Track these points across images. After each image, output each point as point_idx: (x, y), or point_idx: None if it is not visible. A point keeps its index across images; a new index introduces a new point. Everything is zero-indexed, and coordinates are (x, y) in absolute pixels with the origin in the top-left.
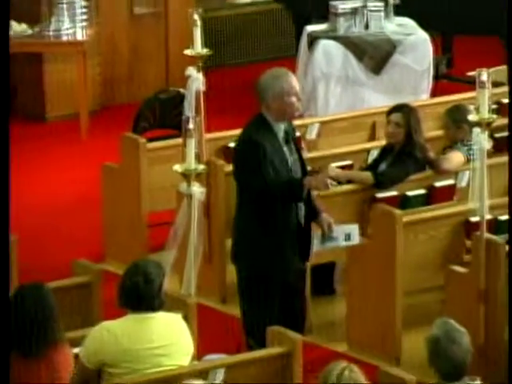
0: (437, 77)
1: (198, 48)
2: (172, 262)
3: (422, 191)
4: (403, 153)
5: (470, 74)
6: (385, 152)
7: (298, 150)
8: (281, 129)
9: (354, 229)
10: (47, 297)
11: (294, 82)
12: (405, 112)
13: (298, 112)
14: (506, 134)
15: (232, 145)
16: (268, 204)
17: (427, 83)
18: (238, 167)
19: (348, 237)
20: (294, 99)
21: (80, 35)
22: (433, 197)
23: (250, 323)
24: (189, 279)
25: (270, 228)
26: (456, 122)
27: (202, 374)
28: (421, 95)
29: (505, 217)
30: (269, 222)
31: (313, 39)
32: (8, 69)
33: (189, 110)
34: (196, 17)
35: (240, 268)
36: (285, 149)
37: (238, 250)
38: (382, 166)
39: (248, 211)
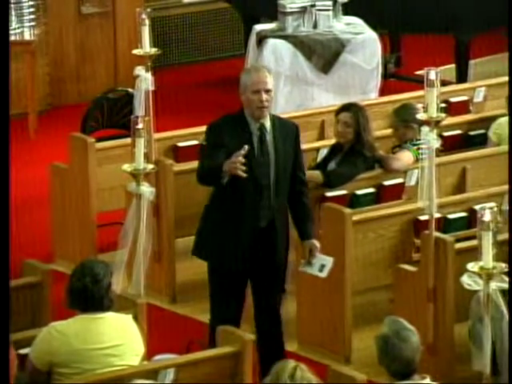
0: (385, 76)
1: (147, 47)
2: (125, 261)
3: (371, 190)
4: (352, 152)
5: (419, 72)
6: (334, 151)
7: (281, 154)
8: (255, 125)
9: (328, 262)
10: None
11: (259, 79)
12: (353, 111)
13: (258, 111)
14: (454, 132)
15: (181, 144)
16: (220, 195)
17: (376, 82)
18: None
19: (322, 268)
20: (253, 96)
21: (28, 35)
22: (382, 195)
23: (211, 317)
24: (138, 279)
25: (219, 221)
26: (404, 122)
27: (152, 374)
28: (369, 94)
29: (453, 215)
30: (219, 214)
31: (261, 38)
32: (8, 69)
33: (139, 109)
34: (144, 16)
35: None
36: (255, 146)
37: (195, 241)
38: (332, 165)
39: (209, 202)
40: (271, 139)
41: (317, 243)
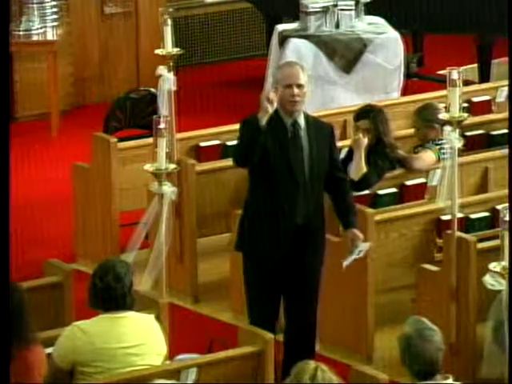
0: (408, 75)
1: (169, 47)
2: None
3: (393, 190)
4: (375, 152)
5: (441, 72)
6: (352, 153)
7: (315, 152)
8: (288, 121)
9: (365, 247)
10: (18, 297)
11: (291, 73)
12: (372, 118)
13: (289, 105)
14: (476, 132)
15: (203, 144)
16: (257, 189)
17: (398, 82)
18: None
19: (359, 253)
20: (284, 91)
21: (51, 35)
22: (404, 195)
23: (249, 317)
24: (157, 278)
25: (257, 216)
26: (426, 122)
27: (174, 373)
28: (392, 94)
29: (475, 215)
30: (257, 208)
31: (283, 38)
32: (8, 69)
33: (163, 109)
34: (166, 16)
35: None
36: (289, 141)
37: (237, 235)
38: (351, 167)
39: (247, 196)
40: (305, 136)
41: (358, 233)
